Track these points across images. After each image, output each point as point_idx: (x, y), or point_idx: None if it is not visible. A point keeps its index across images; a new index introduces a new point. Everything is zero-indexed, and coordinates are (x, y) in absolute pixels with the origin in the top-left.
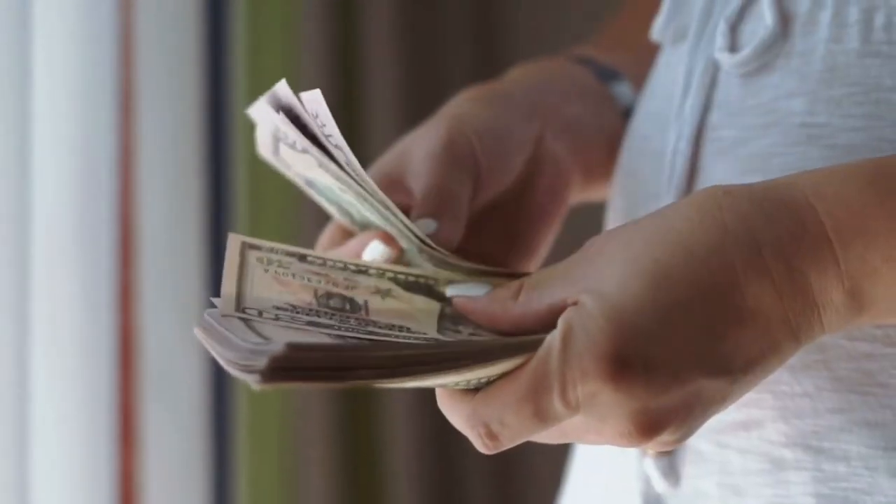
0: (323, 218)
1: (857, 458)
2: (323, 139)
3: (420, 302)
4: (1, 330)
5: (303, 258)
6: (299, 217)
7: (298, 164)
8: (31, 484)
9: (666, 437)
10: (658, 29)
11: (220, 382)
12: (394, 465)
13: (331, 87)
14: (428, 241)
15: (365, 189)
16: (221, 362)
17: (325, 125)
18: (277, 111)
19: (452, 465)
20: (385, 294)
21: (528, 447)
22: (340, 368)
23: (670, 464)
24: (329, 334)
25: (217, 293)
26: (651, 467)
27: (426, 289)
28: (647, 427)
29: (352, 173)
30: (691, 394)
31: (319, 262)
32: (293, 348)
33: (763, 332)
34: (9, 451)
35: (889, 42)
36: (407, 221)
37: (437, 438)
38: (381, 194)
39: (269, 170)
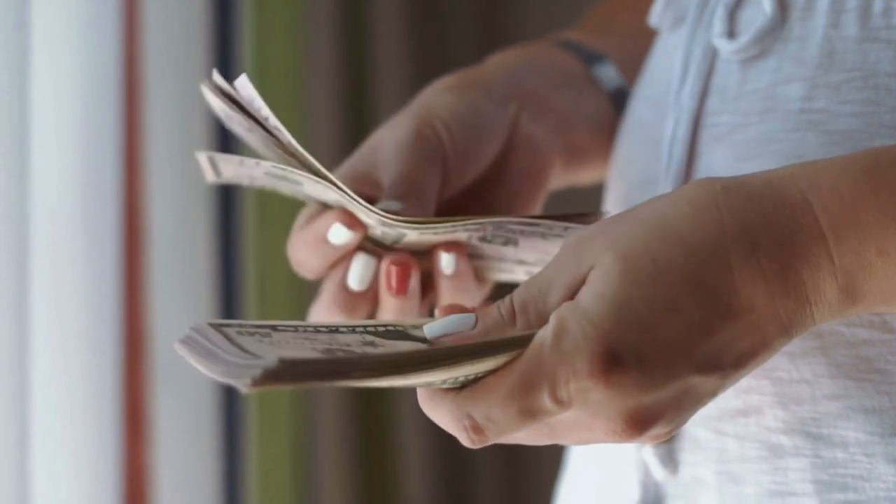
0: None
1: (856, 444)
2: (264, 123)
3: (406, 345)
4: (3, 321)
5: (274, 328)
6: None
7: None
8: (34, 478)
9: (657, 431)
10: (656, 14)
11: None
12: (405, 455)
13: (338, 80)
14: (380, 211)
15: (310, 170)
16: (207, 373)
17: (260, 108)
18: (219, 96)
19: (463, 456)
20: (369, 344)
21: None
22: (331, 373)
23: (669, 452)
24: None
25: (225, 286)
26: (650, 455)
27: (402, 335)
28: (639, 423)
29: (297, 153)
30: (682, 389)
31: (291, 328)
32: (286, 363)
33: (755, 330)
34: (11, 446)
35: (888, 27)
36: (355, 196)
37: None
38: (325, 171)
39: None
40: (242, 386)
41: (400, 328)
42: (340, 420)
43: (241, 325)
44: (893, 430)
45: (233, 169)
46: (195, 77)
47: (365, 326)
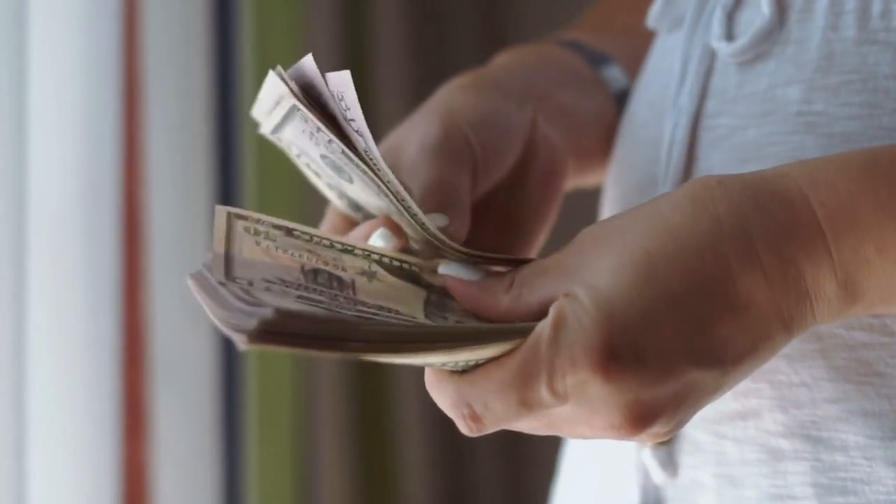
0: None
1: (856, 447)
2: (343, 122)
3: (406, 287)
4: (2, 320)
5: (289, 232)
6: (307, 202)
7: (306, 143)
8: (33, 477)
9: (657, 428)
10: (654, 16)
11: (230, 371)
12: (405, 453)
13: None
14: (440, 234)
15: (379, 177)
16: (211, 316)
17: (349, 108)
18: (295, 85)
19: (464, 454)
20: (371, 276)
21: None
22: (328, 338)
23: (668, 455)
24: (318, 307)
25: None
26: (649, 458)
27: (410, 275)
28: (638, 419)
29: (370, 161)
30: (682, 385)
31: (306, 237)
32: (283, 314)
33: (755, 325)
34: (10, 445)
35: (886, 30)
36: (420, 213)
37: (449, 424)
38: (397, 183)
39: (277, 154)
40: (240, 342)
41: (415, 269)
42: (340, 419)
43: (257, 220)
44: (893, 434)
45: (297, 135)
46: (195, 77)
47: (381, 256)
